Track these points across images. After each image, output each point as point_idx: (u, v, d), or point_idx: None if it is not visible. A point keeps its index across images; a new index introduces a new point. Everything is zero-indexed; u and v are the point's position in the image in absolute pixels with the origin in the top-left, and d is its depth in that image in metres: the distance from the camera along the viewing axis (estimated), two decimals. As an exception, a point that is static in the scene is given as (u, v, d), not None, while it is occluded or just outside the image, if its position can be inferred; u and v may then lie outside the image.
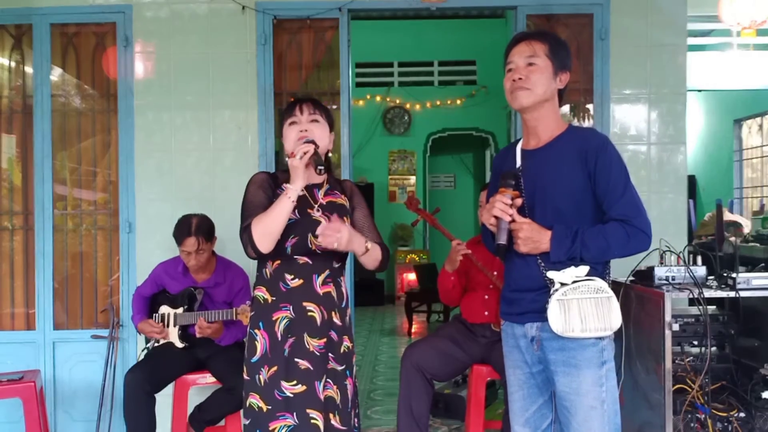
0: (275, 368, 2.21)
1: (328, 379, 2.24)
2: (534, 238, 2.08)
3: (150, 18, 3.92)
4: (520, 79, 2.13)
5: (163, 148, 3.91)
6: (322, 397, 2.21)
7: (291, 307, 2.24)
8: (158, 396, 3.27)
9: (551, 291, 2.06)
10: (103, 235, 4.03)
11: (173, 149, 3.92)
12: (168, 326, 3.39)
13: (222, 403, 3.25)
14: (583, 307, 2.03)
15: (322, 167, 2.21)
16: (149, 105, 3.91)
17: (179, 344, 3.37)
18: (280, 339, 2.22)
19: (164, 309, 3.41)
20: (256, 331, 2.26)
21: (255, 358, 2.25)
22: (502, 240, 2.10)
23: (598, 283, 2.06)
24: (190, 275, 3.42)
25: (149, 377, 3.22)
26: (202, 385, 3.35)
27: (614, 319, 2.06)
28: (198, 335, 3.26)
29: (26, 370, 3.68)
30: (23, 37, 3.99)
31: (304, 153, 2.18)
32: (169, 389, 3.34)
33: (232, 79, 3.90)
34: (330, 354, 2.26)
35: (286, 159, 2.30)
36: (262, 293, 2.29)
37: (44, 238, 3.90)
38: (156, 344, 3.43)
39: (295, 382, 2.19)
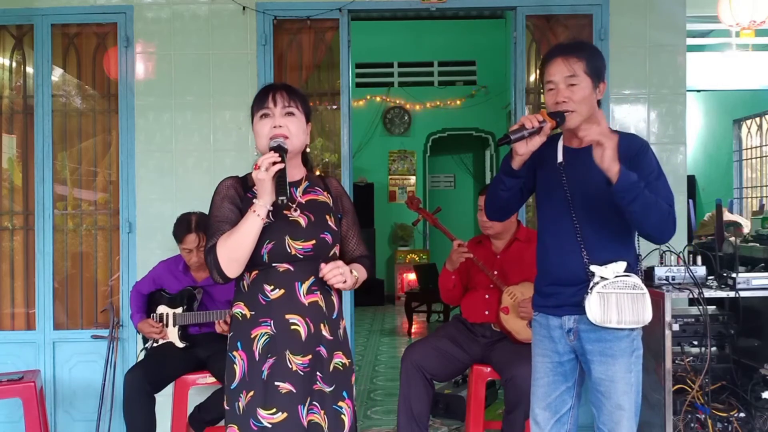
0: (252, 393, 1.95)
1: (313, 402, 1.98)
2: (614, 156, 2.04)
3: (151, 18, 3.92)
4: (564, 102, 2.19)
5: (164, 148, 3.92)
6: (305, 422, 1.95)
7: (272, 322, 1.97)
8: (158, 396, 3.27)
9: (591, 284, 2.19)
10: (104, 235, 4.03)
11: (174, 149, 3.93)
12: (167, 326, 3.39)
13: (222, 404, 3.24)
14: (620, 301, 2.18)
15: (284, 197, 1.88)
16: (150, 105, 3.92)
17: (179, 344, 3.38)
18: (258, 359, 1.97)
19: (162, 309, 3.41)
20: (235, 353, 2.00)
21: (234, 384, 2.00)
22: (513, 135, 2.11)
23: (635, 279, 2.21)
24: (190, 274, 3.42)
25: (149, 377, 3.22)
26: (202, 385, 3.35)
27: (647, 314, 2.21)
28: (218, 332, 3.26)
29: (26, 370, 3.69)
30: (24, 37, 3.99)
31: (272, 164, 1.89)
32: (169, 389, 3.34)
33: (233, 79, 3.91)
34: (317, 373, 2.00)
35: (256, 154, 2.08)
36: (240, 309, 2.03)
37: (44, 238, 3.90)
38: (155, 344, 3.43)
39: (274, 410, 1.93)
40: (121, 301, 3.89)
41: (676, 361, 3.06)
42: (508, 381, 3.07)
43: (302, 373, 1.97)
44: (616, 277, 2.18)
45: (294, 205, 2.04)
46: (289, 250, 1.99)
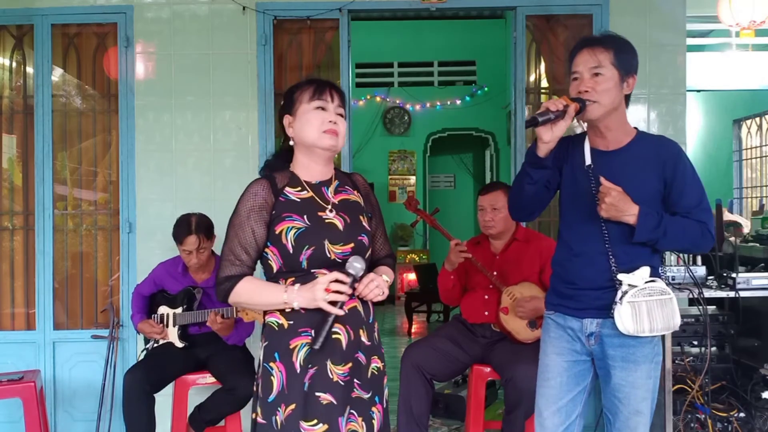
0: (293, 406, 1.88)
1: (351, 410, 1.93)
2: (619, 207, 2.10)
3: (151, 18, 3.92)
4: (586, 91, 2.16)
5: (164, 148, 3.92)
6: None
7: (313, 332, 1.91)
8: (158, 396, 3.27)
9: (620, 293, 2.13)
10: (104, 235, 4.03)
11: (174, 149, 3.93)
12: (167, 326, 3.39)
13: (222, 404, 3.25)
14: (651, 308, 2.13)
15: (317, 347, 1.89)
16: (150, 105, 3.92)
17: (179, 344, 3.38)
18: (299, 371, 1.90)
19: (163, 309, 3.42)
20: (272, 364, 1.93)
21: (272, 397, 1.91)
22: (540, 117, 2.06)
23: (661, 284, 2.16)
24: (189, 275, 3.42)
25: (149, 377, 3.23)
26: (202, 385, 3.35)
27: (676, 318, 2.18)
28: (209, 324, 3.25)
29: (26, 370, 3.69)
30: (24, 37, 4.00)
31: (333, 302, 1.87)
32: (169, 389, 3.35)
33: (233, 79, 3.91)
34: (355, 380, 1.96)
35: (287, 139, 2.04)
36: (275, 318, 1.95)
37: (44, 238, 3.90)
38: (155, 345, 3.44)
39: (315, 421, 1.87)
40: (121, 301, 3.89)
41: (676, 361, 3.07)
42: (508, 381, 3.07)
43: (342, 383, 1.92)
44: (646, 283, 2.12)
45: (329, 206, 2.00)
46: (328, 255, 1.94)
